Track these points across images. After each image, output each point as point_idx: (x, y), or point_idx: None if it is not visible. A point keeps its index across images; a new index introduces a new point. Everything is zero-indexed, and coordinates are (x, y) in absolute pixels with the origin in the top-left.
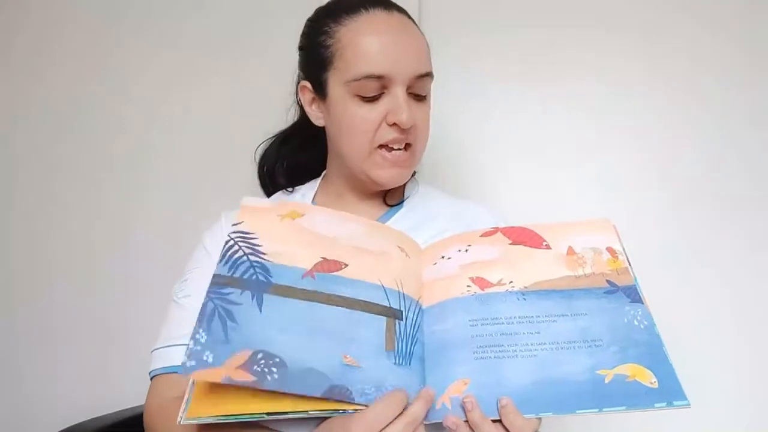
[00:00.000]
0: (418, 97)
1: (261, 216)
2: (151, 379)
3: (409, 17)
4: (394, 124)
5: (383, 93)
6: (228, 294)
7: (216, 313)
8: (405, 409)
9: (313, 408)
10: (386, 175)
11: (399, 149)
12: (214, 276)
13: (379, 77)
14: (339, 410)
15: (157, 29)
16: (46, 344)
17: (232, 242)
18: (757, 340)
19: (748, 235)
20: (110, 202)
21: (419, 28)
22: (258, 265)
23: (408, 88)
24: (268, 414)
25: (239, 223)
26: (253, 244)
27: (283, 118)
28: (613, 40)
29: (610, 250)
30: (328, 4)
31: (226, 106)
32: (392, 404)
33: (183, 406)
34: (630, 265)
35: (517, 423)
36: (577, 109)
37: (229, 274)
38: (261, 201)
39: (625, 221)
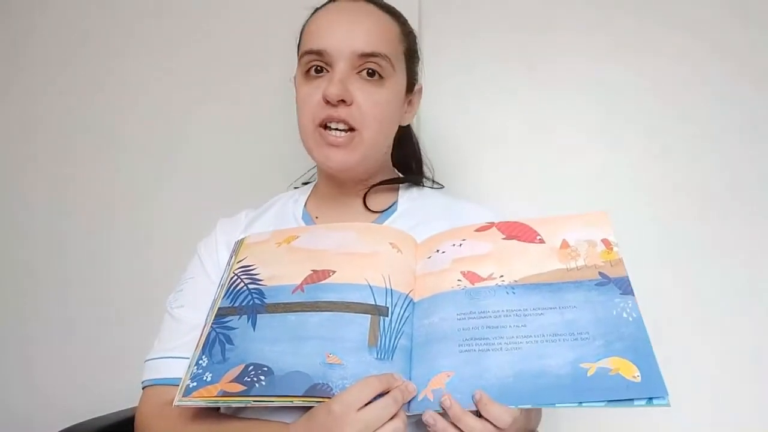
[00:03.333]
0: (370, 78)
1: (260, 247)
2: (143, 389)
3: (381, 6)
4: (327, 100)
5: (327, 72)
6: (228, 322)
7: (217, 340)
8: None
9: (297, 400)
10: (323, 155)
11: (337, 129)
12: (219, 309)
13: (317, 52)
14: (324, 399)
15: (164, 37)
16: (47, 344)
17: (235, 277)
18: (749, 339)
19: (745, 227)
20: (111, 206)
21: (398, 20)
22: (255, 291)
23: (356, 68)
24: (255, 400)
25: (243, 259)
26: (252, 275)
27: (281, 127)
28: (611, 41)
29: (605, 241)
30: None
31: (228, 114)
32: (370, 384)
33: (179, 390)
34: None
35: (494, 413)
36: (576, 109)
37: (230, 305)
38: (260, 235)
39: (624, 220)
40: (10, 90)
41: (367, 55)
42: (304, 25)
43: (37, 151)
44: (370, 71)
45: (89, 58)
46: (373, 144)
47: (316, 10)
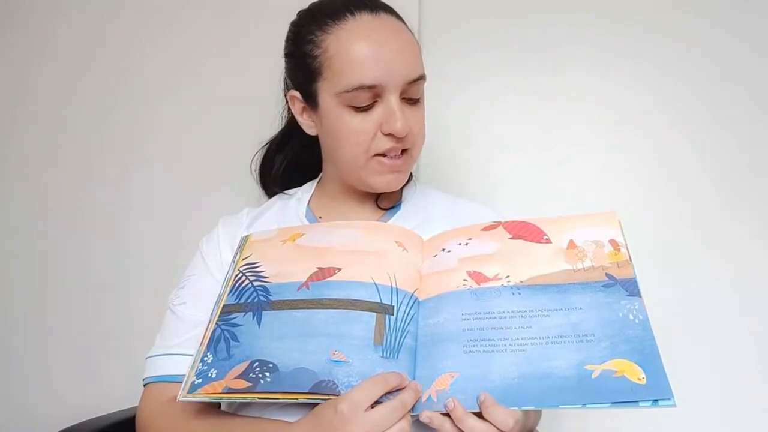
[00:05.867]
0: (412, 101)
1: (265, 245)
2: (144, 386)
3: (397, 16)
4: (390, 133)
5: (376, 101)
6: (233, 319)
7: (222, 337)
8: (394, 393)
9: (303, 397)
10: (384, 181)
11: (396, 156)
12: (224, 306)
13: (370, 87)
14: (330, 396)
15: (149, 28)
16: (46, 344)
17: (240, 274)
18: (755, 339)
19: (751, 230)
20: (106, 202)
21: (407, 26)
22: (260, 288)
23: (401, 93)
24: (260, 397)
25: (248, 256)
26: (258, 272)
27: (279, 120)
28: (613, 33)
29: (612, 242)
30: (311, 7)
31: (223, 107)
32: (378, 383)
33: (183, 386)
34: (630, 258)
35: (497, 415)
36: (578, 104)
37: (236, 302)
38: (265, 232)
39: (625, 217)
40: None
41: (413, 81)
42: (315, 42)
43: (45, 150)
44: (414, 95)
45: (74, 50)
46: (416, 159)
47: (327, 22)
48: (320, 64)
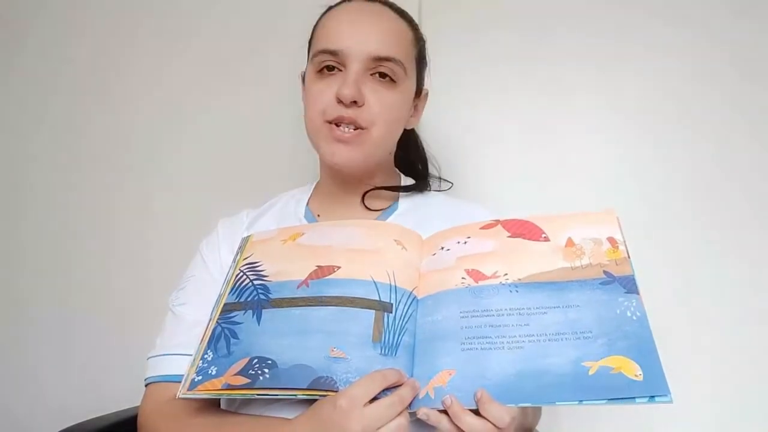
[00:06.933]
0: (384, 80)
1: (266, 245)
2: (146, 386)
3: (394, 9)
4: (340, 100)
5: (341, 71)
6: (233, 317)
7: (222, 334)
8: (392, 390)
9: (301, 393)
10: (329, 150)
11: (346, 127)
12: (225, 304)
13: (332, 52)
14: (329, 392)
15: (168, 37)
16: (47, 344)
17: (241, 274)
18: (754, 339)
19: (751, 229)
20: (110, 205)
21: (405, 19)
22: (260, 287)
23: (369, 69)
24: (258, 394)
25: (249, 256)
26: (258, 271)
27: (288, 128)
28: (612, 40)
29: (610, 240)
30: None
31: (228, 114)
32: (376, 379)
33: (183, 383)
34: (629, 256)
35: (493, 412)
36: (577, 108)
37: (236, 301)
38: (266, 232)
39: (624, 216)
40: (11, 88)
41: (381, 59)
42: (317, 24)
43: (36, 151)
44: (382, 74)
45: (90, 57)
46: (380, 144)
47: (330, 8)
48: (310, 41)
